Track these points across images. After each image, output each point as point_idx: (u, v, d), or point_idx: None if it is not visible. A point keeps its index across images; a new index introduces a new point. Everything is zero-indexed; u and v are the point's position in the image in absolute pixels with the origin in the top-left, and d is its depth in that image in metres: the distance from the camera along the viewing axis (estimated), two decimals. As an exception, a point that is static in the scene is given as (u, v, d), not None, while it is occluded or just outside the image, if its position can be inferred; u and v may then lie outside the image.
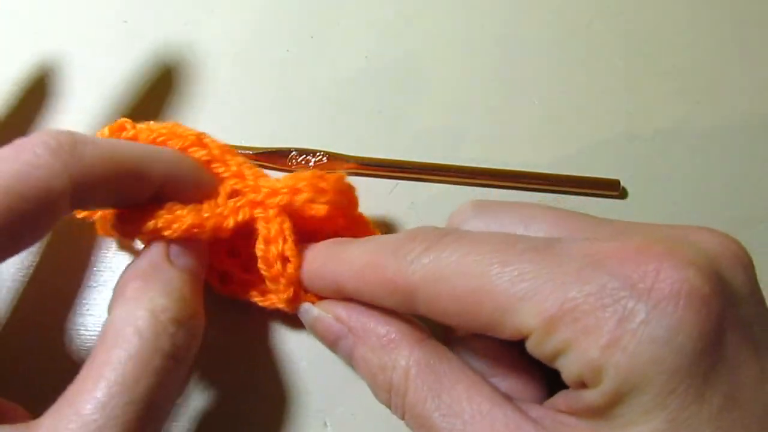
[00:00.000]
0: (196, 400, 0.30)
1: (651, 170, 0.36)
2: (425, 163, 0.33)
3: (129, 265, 0.27)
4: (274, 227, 0.27)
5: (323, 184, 0.28)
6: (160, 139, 0.28)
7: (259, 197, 0.28)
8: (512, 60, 0.38)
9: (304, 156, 0.34)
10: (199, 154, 0.28)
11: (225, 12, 0.38)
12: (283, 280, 0.27)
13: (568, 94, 0.37)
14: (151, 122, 0.29)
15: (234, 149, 0.30)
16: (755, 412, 0.20)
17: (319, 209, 0.28)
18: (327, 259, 0.27)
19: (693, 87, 0.38)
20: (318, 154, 0.34)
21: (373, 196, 0.33)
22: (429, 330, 0.26)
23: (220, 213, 0.27)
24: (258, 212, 0.28)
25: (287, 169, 0.34)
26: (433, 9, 0.39)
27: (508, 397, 0.24)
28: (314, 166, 0.34)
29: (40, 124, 0.35)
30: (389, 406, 0.26)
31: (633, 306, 0.20)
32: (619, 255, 0.21)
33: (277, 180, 0.28)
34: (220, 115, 0.35)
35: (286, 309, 0.28)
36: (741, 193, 0.35)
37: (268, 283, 0.28)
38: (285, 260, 0.27)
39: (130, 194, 0.26)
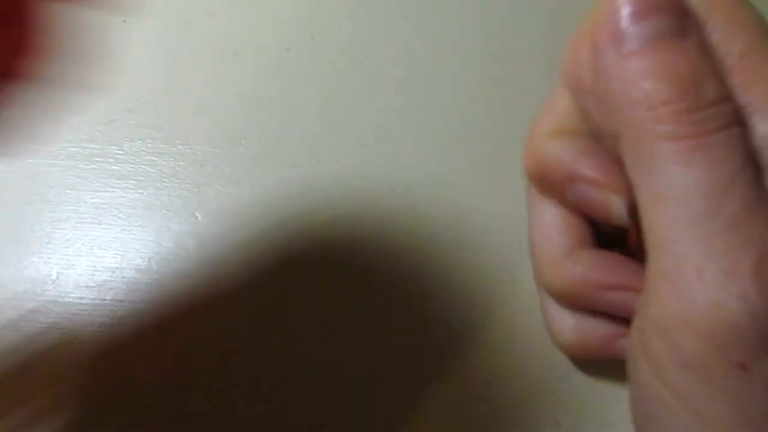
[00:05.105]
0: (193, 401, 0.30)
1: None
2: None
3: None
4: None
5: None
6: None
7: None
8: (512, 59, 0.38)
9: None
10: None
11: (225, 12, 0.38)
12: None
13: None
14: None
15: None
16: None
17: None
18: None
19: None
20: None
21: (373, 196, 0.33)
22: None
23: None
24: None
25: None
26: (434, 8, 0.39)
27: None
28: None
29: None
30: None
31: None
32: None
33: None
34: (221, 115, 0.35)
35: None
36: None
37: None
38: None
39: None
